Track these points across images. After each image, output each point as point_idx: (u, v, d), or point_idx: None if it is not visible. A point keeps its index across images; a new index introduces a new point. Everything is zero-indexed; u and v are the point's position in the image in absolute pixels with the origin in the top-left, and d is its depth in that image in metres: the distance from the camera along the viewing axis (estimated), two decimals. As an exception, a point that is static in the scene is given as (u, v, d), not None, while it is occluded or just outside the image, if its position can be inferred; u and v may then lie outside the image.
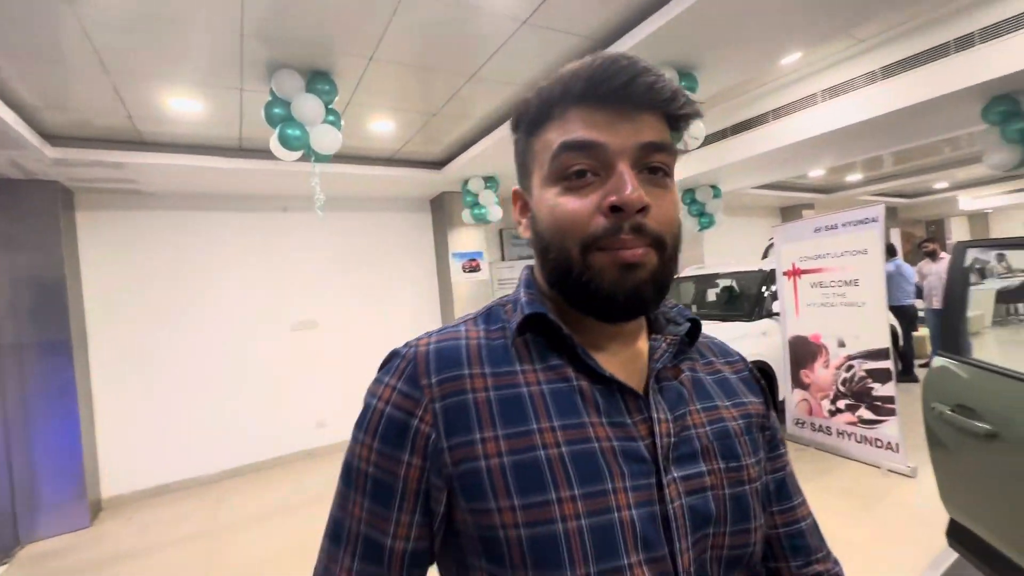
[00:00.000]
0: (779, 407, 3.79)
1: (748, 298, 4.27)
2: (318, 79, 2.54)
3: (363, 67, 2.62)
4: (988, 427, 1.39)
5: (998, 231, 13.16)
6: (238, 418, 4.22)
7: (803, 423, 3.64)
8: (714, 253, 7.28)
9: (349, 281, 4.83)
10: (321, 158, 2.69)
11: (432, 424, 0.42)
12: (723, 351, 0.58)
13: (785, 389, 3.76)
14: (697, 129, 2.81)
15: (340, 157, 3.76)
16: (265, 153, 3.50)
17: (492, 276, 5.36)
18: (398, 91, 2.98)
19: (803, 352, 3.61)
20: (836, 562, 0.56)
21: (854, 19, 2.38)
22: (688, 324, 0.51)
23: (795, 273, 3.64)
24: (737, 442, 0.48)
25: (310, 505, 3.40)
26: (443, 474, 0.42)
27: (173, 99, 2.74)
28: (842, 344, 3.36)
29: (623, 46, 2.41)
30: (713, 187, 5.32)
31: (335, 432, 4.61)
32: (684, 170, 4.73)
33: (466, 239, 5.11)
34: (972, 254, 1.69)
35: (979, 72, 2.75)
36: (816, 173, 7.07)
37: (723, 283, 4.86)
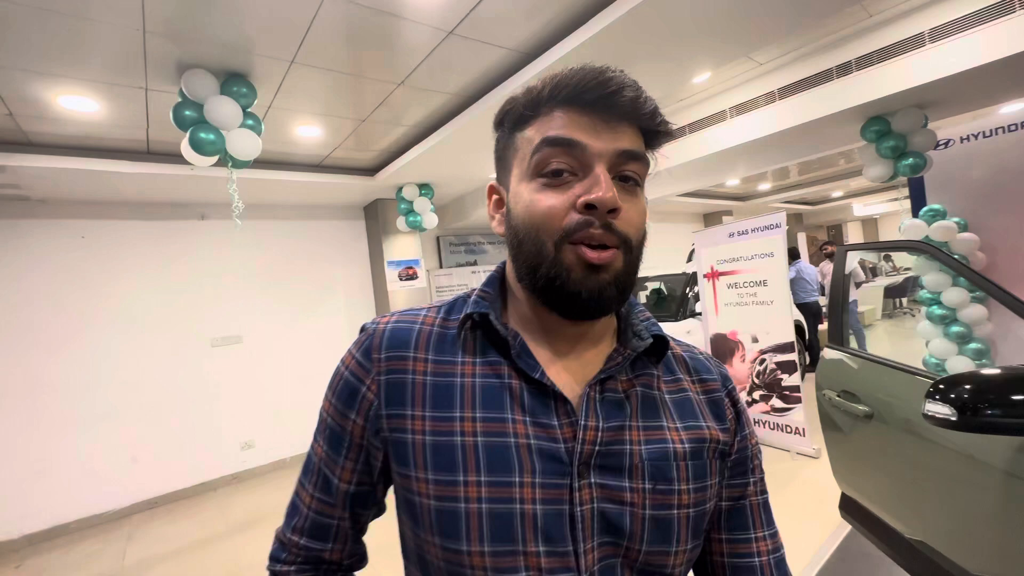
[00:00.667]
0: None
1: (675, 299, 4.54)
2: (234, 81, 2.42)
3: (284, 71, 2.52)
4: (866, 409, 1.58)
5: (886, 234, 14.87)
6: (150, 445, 3.86)
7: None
8: (644, 257, 7.65)
9: (277, 293, 4.58)
10: (239, 164, 2.56)
11: (376, 393, 0.49)
12: (699, 368, 0.56)
13: (708, 384, 4.03)
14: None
15: (263, 163, 3.58)
16: (178, 157, 3.26)
17: (430, 284, 5.31)
18: (324, 96, 2.89)
19: (723, 348, 3.89)
20: None
21: (754, 44, 2.63)
22: (650, 340, 0.50)
23: (714, 275, 3.92)
24: (675, 466, 0.48)
25: (236, 534, 3.17)
26: (380, 436, 0.49)
27: (63, 97, 2.49)
28: (755, 340, 3.65)
29: (549, 59, 2.50)
30: (640, 195, 5.60)
31: (264, 453, 4.35)
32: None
33: (402, 247, 5.03)
34: (852, 256, 1.91)
35: (856, 95, 3.12)
36: (732, 182, 7.65)
37: (652, 286, 5.13)
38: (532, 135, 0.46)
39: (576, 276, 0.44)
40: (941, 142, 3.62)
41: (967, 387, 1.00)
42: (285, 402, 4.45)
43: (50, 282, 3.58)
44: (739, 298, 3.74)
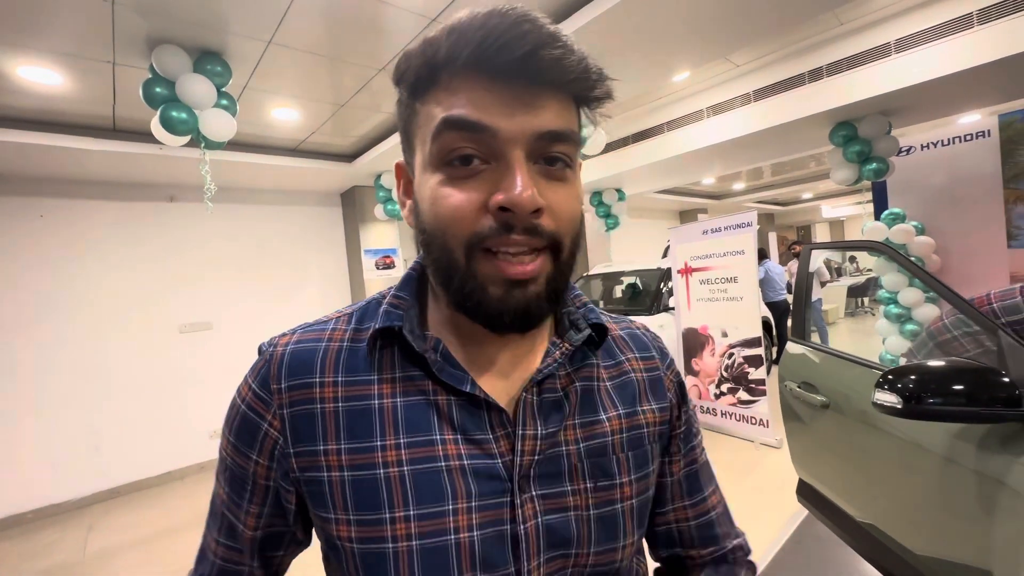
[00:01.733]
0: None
1: (649, 294, 4.63)
2: (208, 59, 2.35)
3: (261, 50, 2.46)
4: (823, 399, 1.66)
5: (851, 235, 15.46)
6: (113, 432, 3.75)
7: (694, 406, 4.02)
8: (620, 252, 7.77)
9: (249, 279, 4.48)
10: (212, 145, 2.49)
11: (280, 430, 0.41)
12: (639, 345, 0.54)
13: (679, 376, 4.15)
14: (599, 138, 3.00)
15: (237, 145, 3.49)
16: (146, 136, 3.15)
17: (407, 274, 5.27)
18: (302, 79, 2.83)
19: (694, 342, 4.00)
20: (740, 534, 0.59)
21: (731, 46, 2.69)
22: (588, 331, 0.46)
23: (688, 271, 4.02)
24: (614, 460, 0.45)
25: (202, 524, 3.11)
26: (290, 478, 0.41)
27: (22, 67, 2.37)
28: (725, 334, 3.77)
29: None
30: (618, 190, 5.69)
31: (233, 442, 4.27)
32: (591, 174, 5.00)
33: (380, 235, 4.98)
34: (817, 255, 2.00)
35: (826, 100, 3.24)
36: (708, 181, 7.82)
37: (627, 280, 5.22)
38: (432, 111, 0.37)
39: (495, 293, 0.37)
40: (903, 149, 3.80)
41: (912, 377, 1.07)
42: (257, 390, 4.37)
43: (5, 262, 3.42)
44: (710, 294, 3.85)
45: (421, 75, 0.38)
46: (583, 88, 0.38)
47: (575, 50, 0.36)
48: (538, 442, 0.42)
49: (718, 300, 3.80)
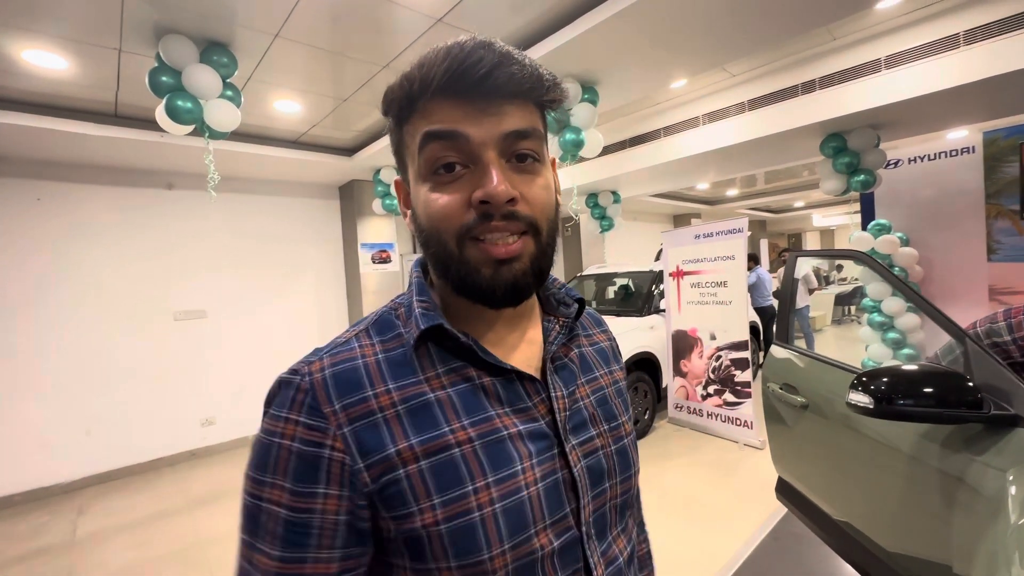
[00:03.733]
0: (663, 394, 4.25)
1: (640, 296, 4.71)
2: (215, 50, 2.37)
3: (267, 43, 2.49)
4: (803, 400, 1.74)
5: (840, 245, 15.69)
6: (105, 417, 3.76)
7: (681, 407, 4.11)
8: (615, 254, 7.85)
9: (245, 269, 4.49)
10: (216, 134, 2.52)
11: (344, 450, 0.41)
12: (597, 321, 0.66)
13: (668, 377, 4.23)
14: (597, 140, 3.07)
15: (238, 135, 3.50)
16: (147, 123, 3.17)
17: (403, 268, 5.31)
18: (306, 73, 2.87)
19: (683, 344, 4.08)
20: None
21: (728, 56, 2.77)
22: (576, 306, 0.56)
23: (679, 274, 4.10)
24: (613, 405, 0.56)
25: (195, 508, 3.15)
26: (363, 493, 0.41)
27: (28, 51, 2.39)
28: (713, 337, 3.86)
29: (534, 55, 2.56)
30: (614, 193, 5.76)
31: (224, 431, 4.29)
32: (587, 176, 5.07)
33: (377, 229, 5.01)
34: (803, 262, 2.07)
35: (818, 112, 3.33)
36: (702, 186, 7.92)
37: (620, 282, 5.29)
38: (415, 131, 0.44)
39: (487, 272, 0.44)
40: (891, 162, 3.90)
41: (884, 380, 1.14)
42: (250, 380, 4.39)
43: (2, 244, 3.41)
44: (700, 297, 3.93)
45: (403, 105, 0.45)
46: (538, 95, 0.45)
47: (527, 64, 0.43)
48: (566, 400, 0.50)
49: (708, 303, 3.88)
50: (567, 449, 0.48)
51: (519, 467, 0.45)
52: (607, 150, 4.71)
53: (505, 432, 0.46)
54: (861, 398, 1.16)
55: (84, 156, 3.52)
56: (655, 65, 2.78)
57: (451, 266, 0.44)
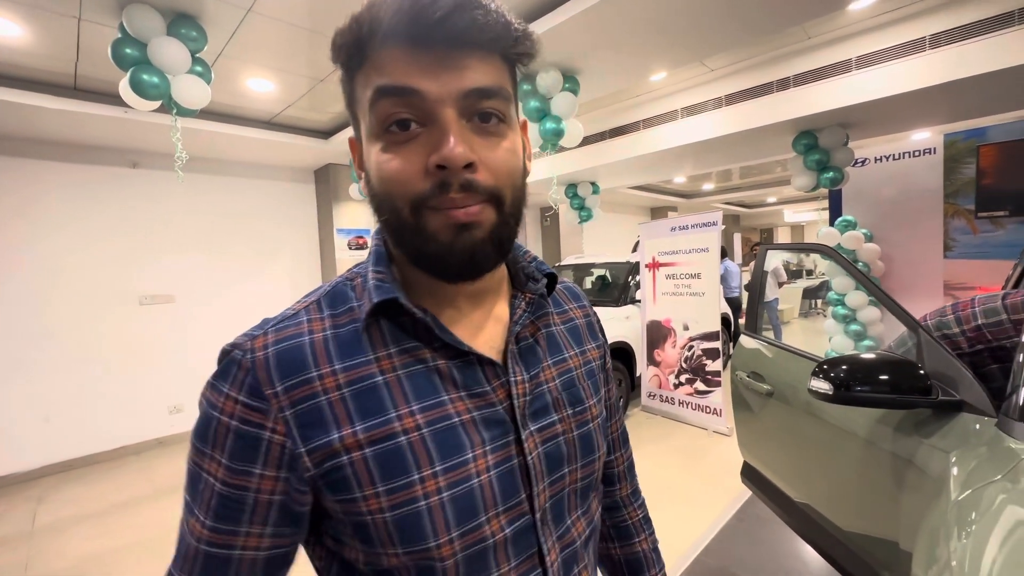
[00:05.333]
0: (636, 382, 4.35)
1: (617, 286, 4.77)
2: (183, 23, 2.27)
3: (239, 18, 2.39)
4: (768, 387, 1.81)
5: (810, 240, 16.17)
6: (66, 404, 3.62)
7: (654, 395, 4.21)
8: (593, 244, 7.92)
9: (215, 253, 4.36)
10: (185, 111, 2.42)
11: (285, 433, 0.40)
12: (574, 295, 0.62)
13: (642, 366, 4.32)
14: (577, 130, 3.07)
15: (208, 113, 3.38)
16: (110, 97, 3.02)
17: (380, 255, 5.24)
18: (281, 50, 2.77)
19: (657, 334, 4.17)
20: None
21: (707, 50, 2.80)
22: (545, 280, 0.52)
23: (655, 266, 4.17)
24: (581, 388, 0.53)
25: (162, 497, 3.09)
26: (304, 478, 0.40)
27: (-21, 16, 2.24)
28: (686, 327, 3.95)
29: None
30: (593, 184, 5.79)
31: (193, 418, 4.07)
32: (567, 166, 5.08)
33: (353, 215, 4.92)
34: (772, 255, 2.14)
35: (791, 110, 3.41)
36: (679, 179, 8.03)
37: (598, 272, 5.36)
38: (365, 83, 0.40)
39: (444, 239, 0.40)
40: (858, 160, 4.04)
41: (843, 367, 1.20)
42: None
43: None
44: (675, 288, 4.01)
45: (352, 52, 0.40)
46: (505, 46, 0.40)
47: (493, 10, 0.38)
48: (527, 384, 0.48)
49: (682, 295, 3.97)
50: (524, 436, 0.46)
51: (470, 455, 0.43)
52: (587, 141, 4.72)
53: (457, 418, 0.43)
54: (821, 385, 1.21)
55: (40, 130, 3.34)
56: (636, 55, 2.79)
57: (405, 235, 0.41)
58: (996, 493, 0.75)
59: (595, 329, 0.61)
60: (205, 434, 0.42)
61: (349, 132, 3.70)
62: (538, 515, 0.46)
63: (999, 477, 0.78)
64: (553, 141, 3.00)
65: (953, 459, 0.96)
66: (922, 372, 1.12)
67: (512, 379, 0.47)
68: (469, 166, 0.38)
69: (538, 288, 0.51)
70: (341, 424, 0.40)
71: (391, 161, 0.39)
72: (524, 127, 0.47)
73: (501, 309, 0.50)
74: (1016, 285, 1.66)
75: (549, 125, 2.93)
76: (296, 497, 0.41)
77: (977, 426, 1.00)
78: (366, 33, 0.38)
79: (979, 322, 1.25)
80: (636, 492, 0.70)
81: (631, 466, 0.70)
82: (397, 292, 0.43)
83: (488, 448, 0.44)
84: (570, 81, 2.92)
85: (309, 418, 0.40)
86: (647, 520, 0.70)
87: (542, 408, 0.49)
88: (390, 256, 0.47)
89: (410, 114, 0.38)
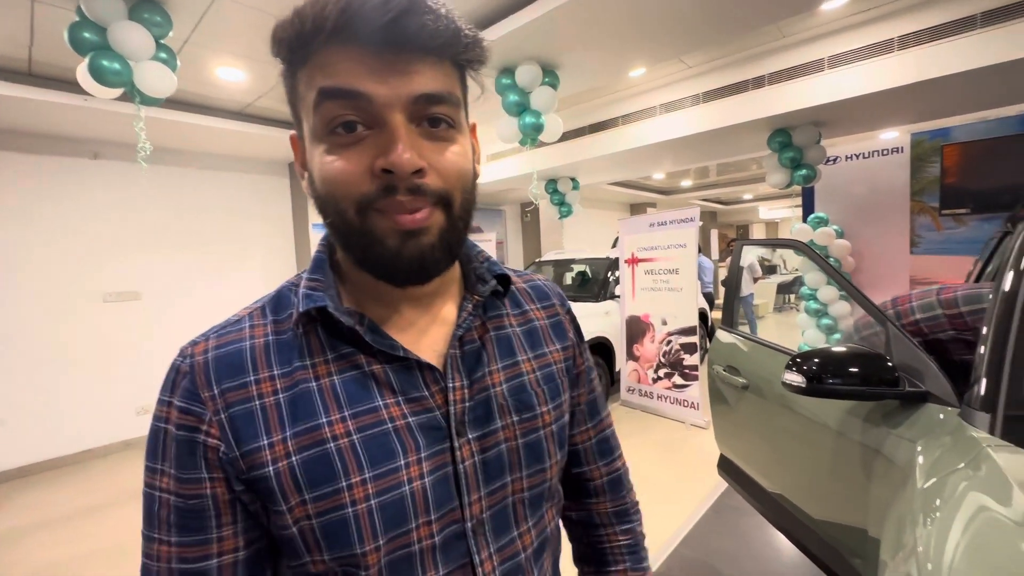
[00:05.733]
0: (616, 377, 4.38)
1: (597, 282, 4.80)
2: (146, 7, 2.17)
3: (207, 3, 2.30)
4: (744, 381, 1.83)
5: (784, 236, 16.57)
6: (24, 406, 3.46)
7: (633, 390, 4.26)
8: (573, 240, 7.95)
9: (184, 249, 4.22)
10: (149, 100, 2.32)
11: (219, 437, 0.39)
12: (540, 295, 0.58)
13: (621, 361, 4.36)
14: (556, 125, 3.06)
15: (175, 103, 3.26)
16: (68, 84, 2.87)
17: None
18: (251, 37, 2.68)
19: (636, 329, 4.21)
20: (622, 458, 0.68)
21: (685, 47, 2.82)
22: (494, 282, 0.50)
23: (634, 261, 4.20)
24: (533, 394, 0.51)
25: (126, 502, 2.97)
26: (242, 480, 0.40)
27: (-79, -5, 2.10)
28: (664, 322, 4.00)
29: (492, 35, 2.51)
30: (573, 179, 5.81)
31: (163, 418, 4.04)
32: (547, 161, 5.07)
33: (329, 210, 4.81)
34: (748, 251, 2.17)
35: (766, 108, 3.47)
36: (658, 176, 8.12)
37: (578, 268, 5.38)
38: (309, 82, 0.38)
39: (391, 244, 0.39)
40: (830, 158, 4.14)
41: (816, 360, 1.22)
42: (190, 365, 4.16)
43: None
44: (653, 284, 4.05)
45: (294, 48, 0.38)
46: (455, 52, 0.39)
47: (442, 15, 0.37)
48: (466, 391, 0.46)
49: (660, 290, 4.01)
50: (458, 443, 0.45)
51: (402, 461, 0.42)
52: (567, 136, 4.72)
53: (391, 424, 0.42)
54: (795, 378, 1.23)
55: (-8, 118, 3.17)
56: (615, 50, 2.79)
57: (351, 238, 0.40)
58: (959, 481, 0.77)
59: (562, 329, 0.58)
60: (154, 448, 0.41)
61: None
62: (469, 524, 0.45)
63: (962, 465, 0.80)
64: (532, 136, 2.98)
65: (919, 448, 0.98)
66: (890, 364, 1.15)
67: (450, 385, 0.45)
68: (418, 172, 0.37)
69: (485, 290, 0.50)
70: (272, 431, 0.40)
71: (335, 162, 0.38)
72: (473, 130, 0.46)
73: (448, 312, 0.49)
74: (978, 279, 1.72)
75: (528, 119, 2.91)
76: (244, 497, 0.41)
77: (941, 416, 1.02)
78: (310, 30, 0.36)
79: (916, 316, 1.30)
80: (623, 514, 0.64)
81: (616, 482, 0.64)
82: (327, 300, 0.42)
83: (424, 455, 0.43)
84: (550, 76, 2.91)
85: (242, 422, 0.40)
86: (633, 550, 0.63)
87: (485, 414, 0.47)
88: (333, 263, 0.47)
89: (357, 117, 0.37)
